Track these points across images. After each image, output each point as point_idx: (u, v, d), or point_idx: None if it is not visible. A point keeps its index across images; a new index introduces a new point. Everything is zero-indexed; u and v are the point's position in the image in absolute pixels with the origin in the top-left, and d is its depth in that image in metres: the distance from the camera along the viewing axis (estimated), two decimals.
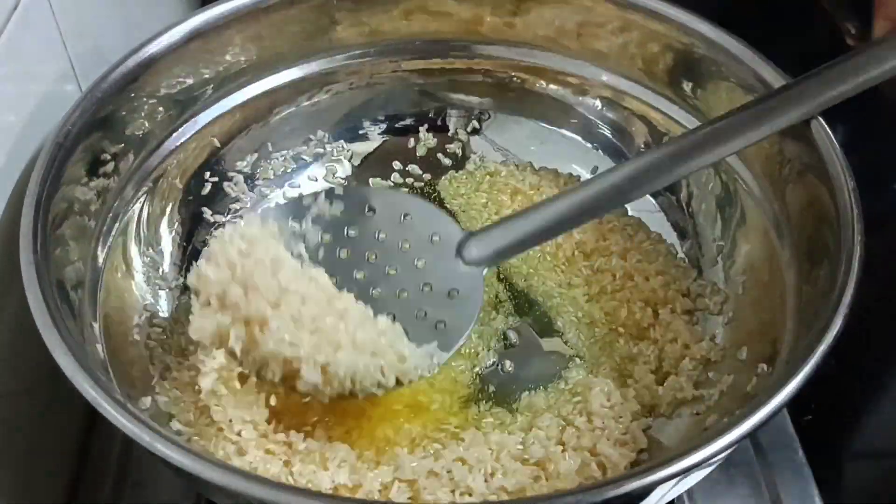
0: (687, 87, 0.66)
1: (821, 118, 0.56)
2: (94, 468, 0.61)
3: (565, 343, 0.64)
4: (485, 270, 0.60)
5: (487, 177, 0.74)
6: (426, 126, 0.75)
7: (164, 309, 0.63)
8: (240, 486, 0.42)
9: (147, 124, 0.62)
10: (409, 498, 0.53)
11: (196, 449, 0.51)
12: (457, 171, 0.75)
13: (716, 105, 0.64)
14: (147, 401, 0.55)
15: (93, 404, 0.44)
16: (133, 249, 0.62)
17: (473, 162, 0.75)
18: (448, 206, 0.72)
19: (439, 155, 0.75)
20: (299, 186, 0.73)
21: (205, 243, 0.67)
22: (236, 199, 0.70)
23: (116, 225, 0.59)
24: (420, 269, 0.60)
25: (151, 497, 0.60)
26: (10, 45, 0.52)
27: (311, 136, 0.73)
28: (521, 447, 0.55)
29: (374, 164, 0.74)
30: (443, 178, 0.74)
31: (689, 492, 0.60)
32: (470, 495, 0.53)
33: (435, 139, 0.75)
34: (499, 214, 0.71)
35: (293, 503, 0.41)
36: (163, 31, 0.61)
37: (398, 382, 0.55)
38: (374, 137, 0.75)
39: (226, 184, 0.70)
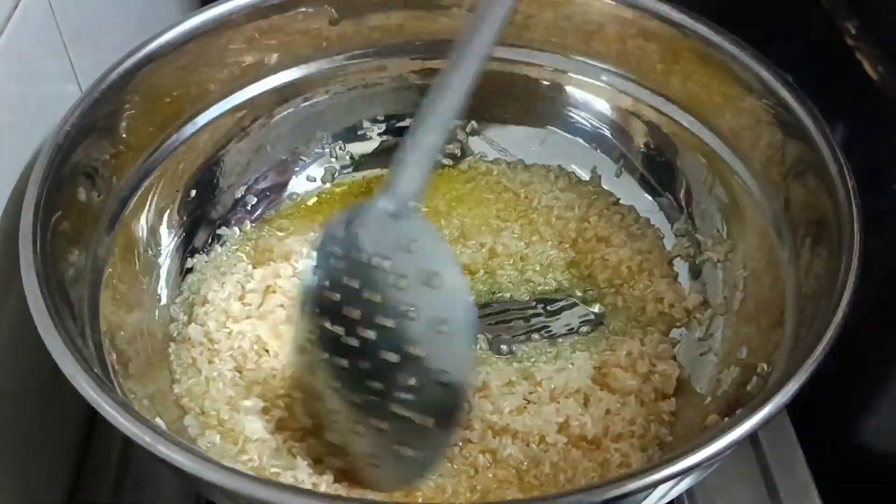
0: (686, 86, 0.66)
1: (821, 117, 0.56)
2: (94, 468, 0.61)
3: None
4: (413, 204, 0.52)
5: (479, 175, 0.74)
6: None
7: (164, 310, 0.63)
8: (239, 487, 0.42)
9: (147, 124, 0.62)
10: None
11: (195, 449, 0.51)
12: (443, 169, 0.75)
13: (715, 105, 0.65)
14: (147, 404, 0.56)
15: (93, 405, 0.44)
16: (133, 250, 0.62)
17: (467, 162, 0.75)
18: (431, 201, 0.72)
19: (438, 155, 0.75)
20: (299, 187, 0.73)
21: (205, 244, 0.68)
22: (236, 200, 0.70)
23: (116, 225, 0.59)
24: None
25: (151, 497, 0.60)
26: (10, 45, 0.52)
27: (311, 137, 0.73)
28: None
29: (373, 165, 0.75)
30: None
31: (690, 492, 0.60)
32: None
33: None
34: (484, 215, 0.71)
35: (293, 503, 0.41)
36: (163, 31, 0.61)
37: None
38: (374, 138, 0.75)
39: (225, 184, 0.70)
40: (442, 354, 0.49)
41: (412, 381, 0.49)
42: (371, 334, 0.50)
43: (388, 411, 0.50)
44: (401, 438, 0.51)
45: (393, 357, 0.50)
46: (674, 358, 0.63)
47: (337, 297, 0.52)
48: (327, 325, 0.52)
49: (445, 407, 0.50)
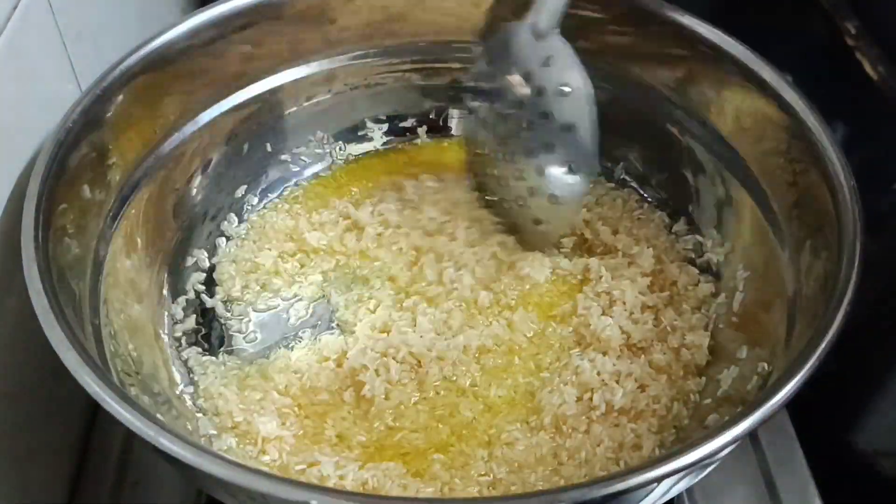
0: (686, 87, 0.66)
1: (821, 117, 0.56)
2: (94, 468, 0.61)
3: None
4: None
5: None
6: (426, 127, 0.75)
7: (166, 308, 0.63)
8: (242, 480, 0.41)
9: (147, 124, 0.62)
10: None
11: (197, 442, 0.51)
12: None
13: (715, 105, 0.65)
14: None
15: (95, 399, 0.44)
16: (134, 248, 0.62)
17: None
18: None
19: None
20: (299, 186, 0.73)
21: (205, 242, 0.68)
22: (236, 199, 0.70)
23: (117, 224, 0.59)
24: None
25: (151, 497, 0.60)
26: (10, 45, 0.52)
27: (311, 137, 0.73)
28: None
29: (374, 165, 0.74)
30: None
31: (689, 491, 0.60)
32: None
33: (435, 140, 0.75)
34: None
35: (294, 496, 0.41)
36: (162, 31, 0.61)
37: None
38: (375, 138, 0.75)
39: (226, 184, 0.70)
40: (570, 151, 0.62)
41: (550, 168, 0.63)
42: (520, 134, 0.64)
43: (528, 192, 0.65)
44: (536, 211, 0.66)
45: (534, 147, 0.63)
46: (706, 328, 0.63)
47: (495, 105, 0.65)
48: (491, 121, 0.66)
49: (572, 190, 0.64)
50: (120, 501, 0.60)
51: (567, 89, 0.61)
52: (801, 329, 0.52)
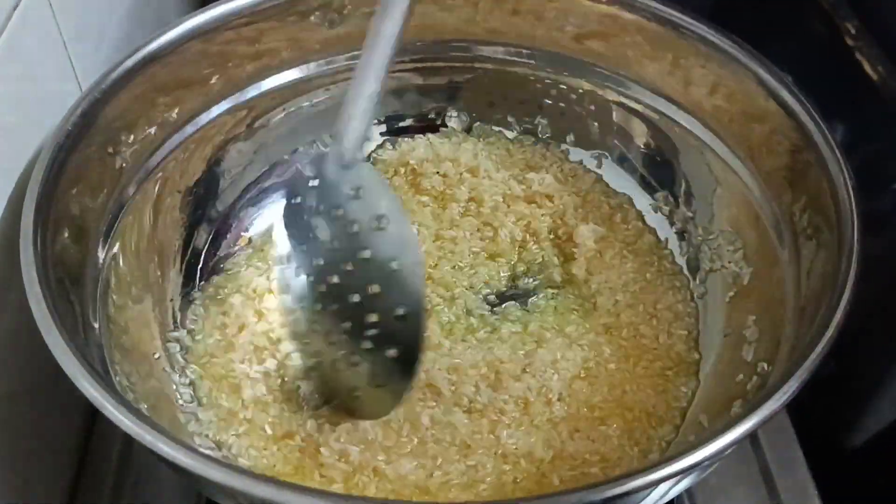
0: (686, 87, 0.66)
1: (821, 117, 0.56)
2: (94, 468, 0.61)
3: None
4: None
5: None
6: (426, 126, 0.75)
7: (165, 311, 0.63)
8: (241, 485, 0.41)
9: (147, 124, 0.62)
10: None
11: (196, 448, 0.51)
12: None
13: (715, 106, 0.65)
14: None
15: (95, 405, 0.44)
16: (133, 250, 0.62)
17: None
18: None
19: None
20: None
21: (205, 243, 0.68)
22: (236, 200, 0.70)
23: (117, 225, 0.59)
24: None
25: (151, 497, 0.60)
26: (10, 45, 0.52)
27: (312, 137, 0.73)
28: None
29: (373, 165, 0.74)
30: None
31: (689, 492, 0.60)
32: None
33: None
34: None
35: (294, 502, 0.41)
36: (163, 31, 0.61)
37: None
38: (374, 138, 0.75)
39: (225, 184, 0.70)
40: (396, 290, 0.53)
41: (374, 318, 0.54)
42: (335, 279, 0.55)
43: (359, 348, 0.55)
44: (372, 370, 0.55)
45: (355, 297, 0.54)
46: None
47: (304, 248, 0.57)
48: (301, 275, 0.57)
49: (406, 338, 0.53)
50: (120, 501, 0.60)
51: (383, 220, 0.53)
52: (801, 329, 0.52)
